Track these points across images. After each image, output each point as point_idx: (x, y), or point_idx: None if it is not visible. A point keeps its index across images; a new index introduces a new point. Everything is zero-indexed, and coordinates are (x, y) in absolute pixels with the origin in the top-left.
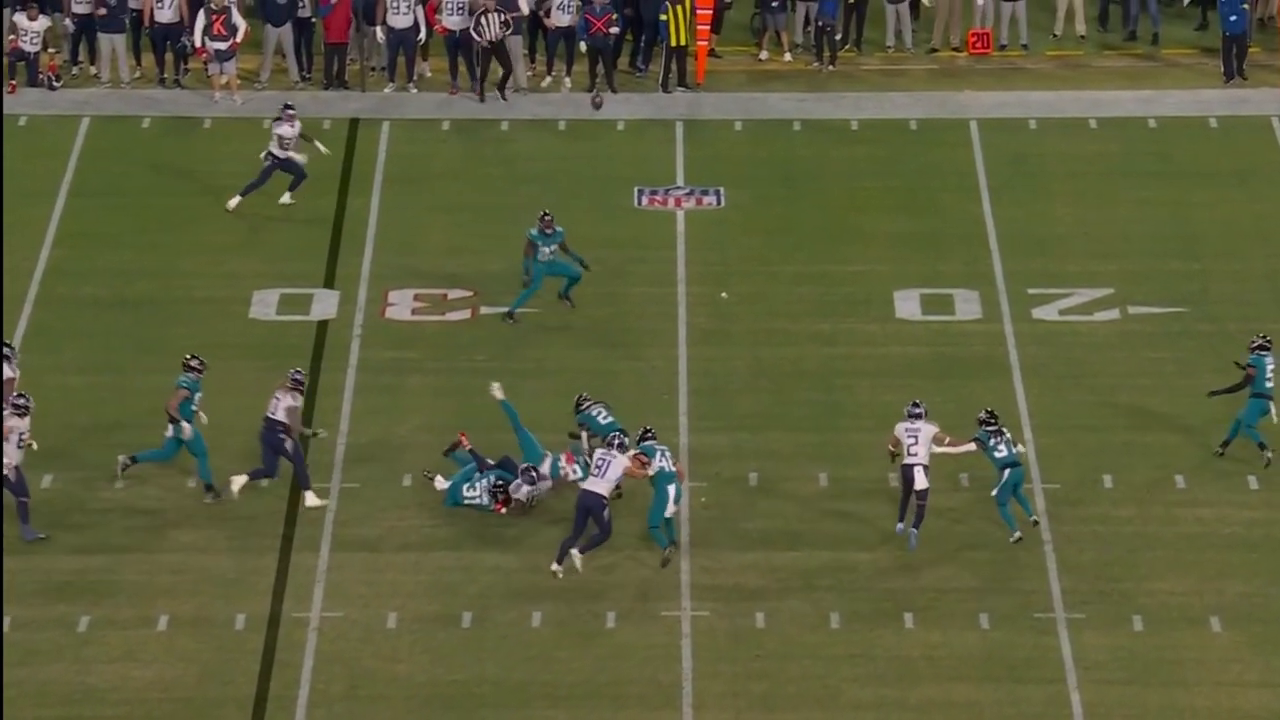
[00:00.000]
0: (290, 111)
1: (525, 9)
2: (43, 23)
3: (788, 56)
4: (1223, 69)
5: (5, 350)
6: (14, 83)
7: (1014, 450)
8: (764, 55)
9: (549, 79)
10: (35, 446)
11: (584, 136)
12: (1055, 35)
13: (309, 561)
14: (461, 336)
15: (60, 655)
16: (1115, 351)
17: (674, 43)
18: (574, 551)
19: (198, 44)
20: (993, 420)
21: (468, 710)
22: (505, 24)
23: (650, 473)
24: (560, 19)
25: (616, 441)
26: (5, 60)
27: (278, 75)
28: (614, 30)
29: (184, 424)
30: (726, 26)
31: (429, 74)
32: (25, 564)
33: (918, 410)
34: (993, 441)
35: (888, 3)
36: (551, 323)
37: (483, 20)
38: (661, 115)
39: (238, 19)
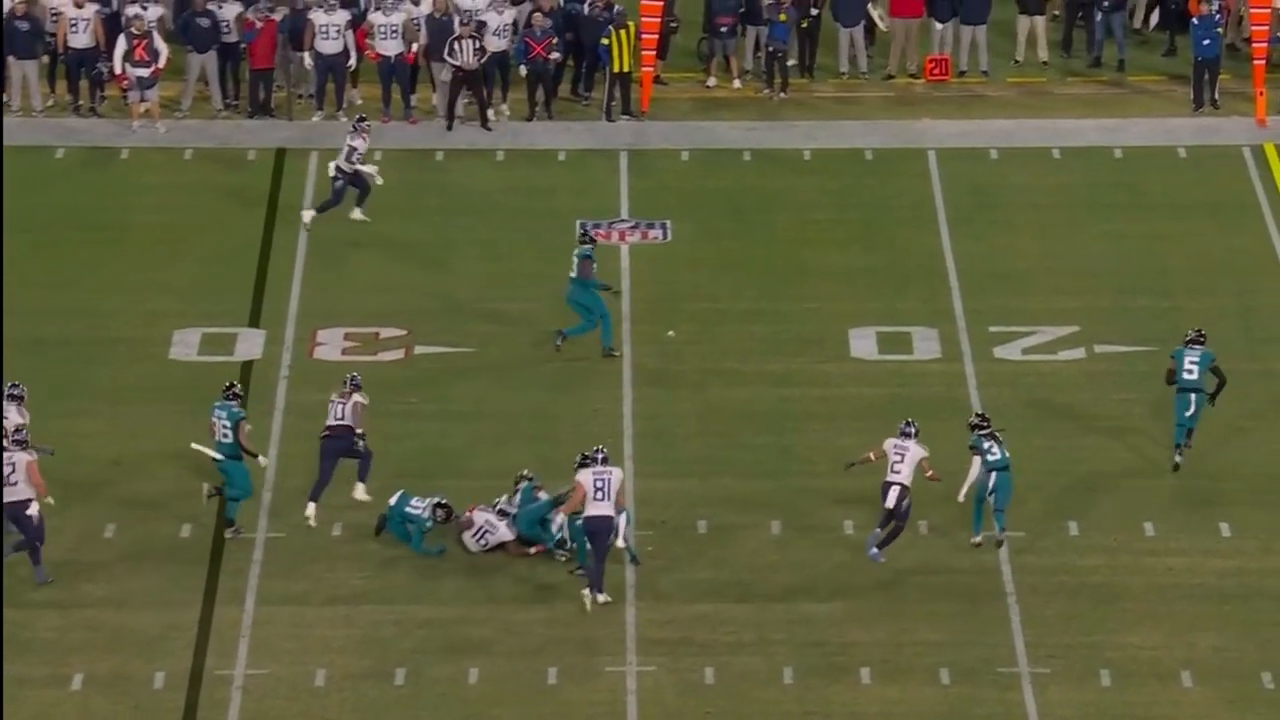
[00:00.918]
0: (364, 125)
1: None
2: None
3: (737, 83)
4: (1192, 96)
5: (14, 391)
6: None
7: (1005, 454)
8: (712, 82)
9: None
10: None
11: (524, 167)
12: (1017, 61)
13: (233, 615)
14: (394, 378)
15: None
16: (1081, 393)
17: (617, 69)
18: (586, 593)
19: (118, 70)
20: (985, 423)
21: None
22: (481, 50)
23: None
24: (496, 44)
25: (602, 456)
26: None
27: (201, 103)
28: (554, 55)
29: (260, 456)
30: (673, 52)
31: (359, 101)
32: None
33: (910, 430)
34: (986, 444)
35: (842, 27)
36: (490, 362)
37: (457, 46)
38: (605, 145)
39: (160, 44)
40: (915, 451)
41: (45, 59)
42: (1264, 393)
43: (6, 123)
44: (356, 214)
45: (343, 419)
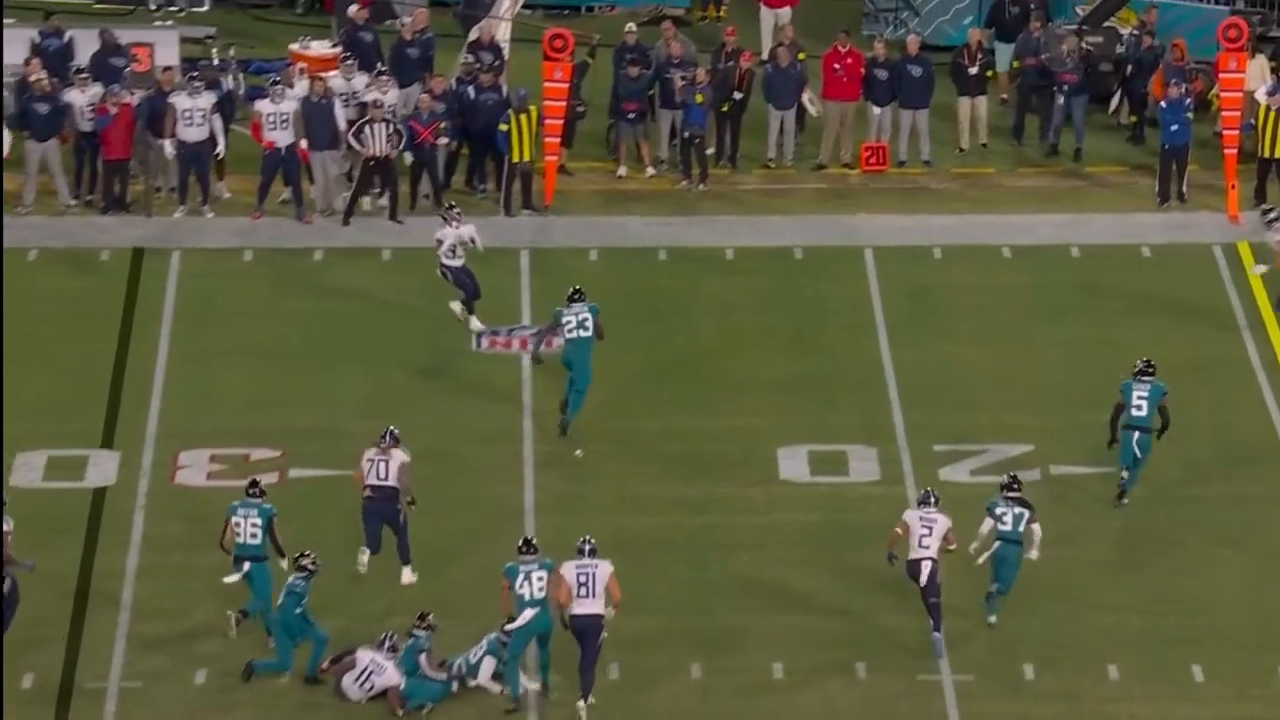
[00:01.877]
0: (455, 212)
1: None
2: None
3: (650, 173)
4: (1158, 189)
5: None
6: None
7: (1018, 527)
8: (623, 172)
9: (366, 200)
10: None
11: (413, 267)
12: (961, 149)
13: None
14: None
15: None
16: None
17: (517, 158)
18: (581, 704)
19: None
20: (1015, 485)
21: None
22: (396, 135)
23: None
24: None
25: (589, 547)
26: None
27: (46, 197)
28: (443, 141)
29: (285, 558)
30: (579, 139)
31: (227, 195)
32: None
33: (930, 499)
34: (1001, 509)
35: (774, 109)
36: None
37: (367, 130)
38: (504, 242)
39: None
40: (943, 522)
41: None
42: (1239, 519)
43: None
44: (455, 307)
45: (386, 479)
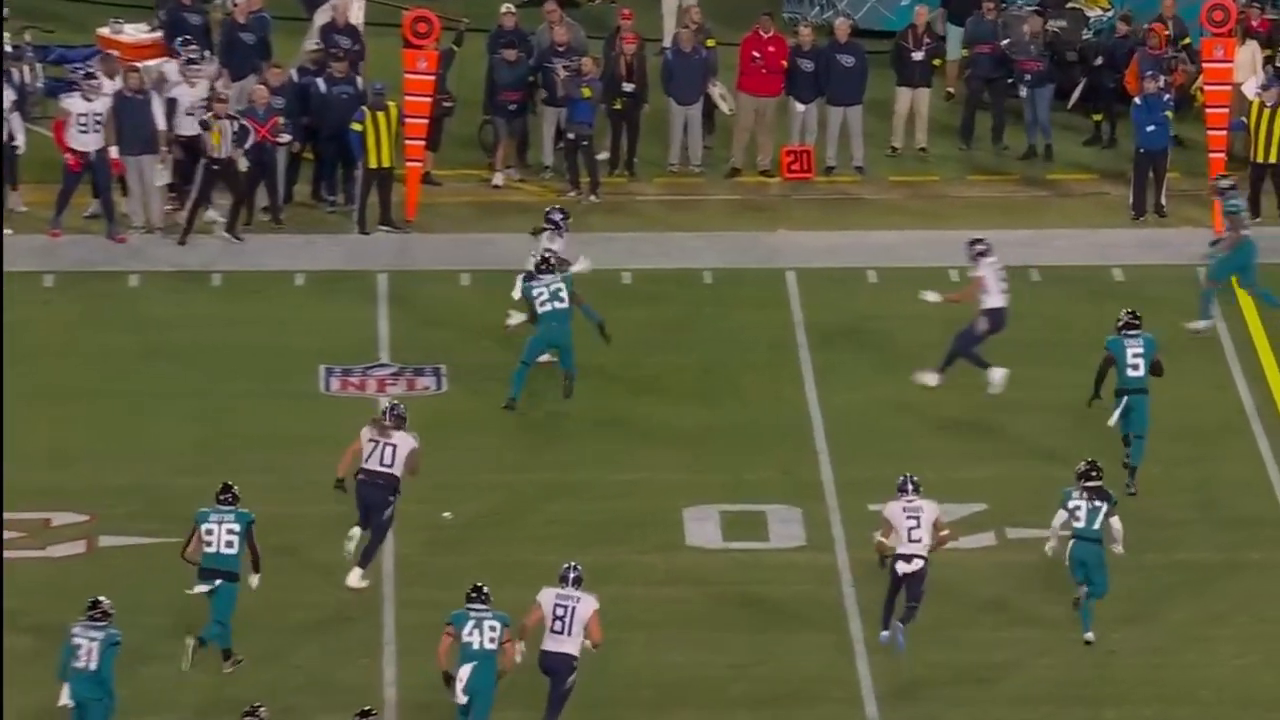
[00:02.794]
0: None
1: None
2: None
3: (514, 177)
4: (1132, 200)
5: None
6: None
7: (1097, 524)
8: (499, 180)
9: (213, 212)
10: None
11: (248, 294)
12: (894, 150)
13: None
14: (73, 580)
15: None
16: (989, 586)
17: (374, 163)
18: None
19: None
20: (1094, 473)
21: None
22: (241, 133)
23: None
24: (188, 127)
25: (574, 575)
26: None
27: None
28: (283, 139)
29: (254, 577)
30: (448, 142)
31: (23, 208)
32: None
33: (908, 485)
34: (1074, 502)
35: (675, 104)
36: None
37: (215, 127)
38: (357, 264)
39: None
40: (930, 509)
41: None
42: (1231, 591)
43: None
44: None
45: (390, 465)
